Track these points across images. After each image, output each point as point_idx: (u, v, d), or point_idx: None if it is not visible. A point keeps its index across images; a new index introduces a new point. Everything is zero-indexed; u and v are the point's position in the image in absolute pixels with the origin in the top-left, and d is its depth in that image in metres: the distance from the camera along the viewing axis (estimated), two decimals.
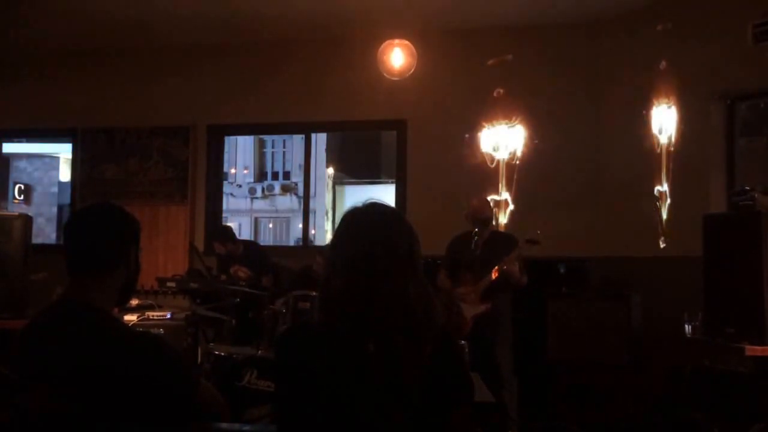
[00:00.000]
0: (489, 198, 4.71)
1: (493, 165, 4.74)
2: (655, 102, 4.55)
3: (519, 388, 4.87)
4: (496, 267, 4.61)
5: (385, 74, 5.27)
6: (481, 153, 4.69)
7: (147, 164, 6.74)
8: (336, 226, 1.74)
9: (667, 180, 4.50)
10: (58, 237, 13.90)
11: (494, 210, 4.75)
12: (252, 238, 22.18)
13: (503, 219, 4.74)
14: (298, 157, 22.44)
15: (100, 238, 1.80)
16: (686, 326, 4.16)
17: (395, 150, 6.65)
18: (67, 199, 9.98)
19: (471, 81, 6.17)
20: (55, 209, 16.57)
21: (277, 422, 1.70)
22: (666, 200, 4.47)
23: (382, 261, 1.61)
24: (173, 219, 6.63)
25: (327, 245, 6.02)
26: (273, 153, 24.86)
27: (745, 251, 3.82)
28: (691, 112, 4.96)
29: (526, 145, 4.68)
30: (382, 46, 5.23)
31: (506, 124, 4.71)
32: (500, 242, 4.84)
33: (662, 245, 4.54)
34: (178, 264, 6.42)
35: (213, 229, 6.57)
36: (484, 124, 4.81)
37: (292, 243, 21.12)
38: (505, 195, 4.70)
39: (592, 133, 5.98)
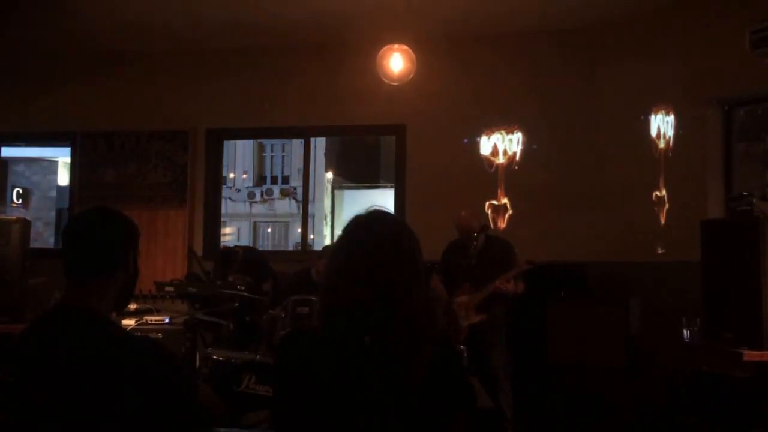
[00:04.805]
0: (488, 203, 4.72)
1: (492, 170, 4.74)
2: (654, 107, 4.56)
3: (517, 392, 4.88)
4: (495, 285, 4.70)
5: (384, 79, 5.27)
6: (480, 158, 4.69)
7: (146, 168, 6.74)
8: (339, 232, 1.76)
9: (666, 185, 4.49)
10: (56, 241, 13.87)
11: (491, 216, 4.77)
12: (251, 243, 22.19)
13: (502, 224, 4.75)
14: (297, 162, 22.44)
15: (98, 243, 1.80)
16: (684, 331, 4.16)
17: (394, 155, 6.66)
18: (65, 204, 9.96)
19: (470, 86, 6.19)
20: (53, 213, 16.52)
21: (276, 426, 1.70)
22: (664, 205, 4.47)
23: (386, 267, 1.63)
24: (172, 223, 6.63)
25: (326, 248, 6.05)
26: (272, 157, 24.89)
27: (744, 256, 3.82)
28: (690, 117, 4.98)
29: (524, 151, 4.68)
30: (382, 51, 5.23)
31: (505, 129, 4.71)
32: (496, 251, 4.88)
33: (660, 251, 4.55)
34: (176, 268, 6.42)
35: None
36: (482, 129, 4.81)
37: (291, 247, 21.12)
38: (504, 200, 4.70)
39: (591, 138, 6.00)
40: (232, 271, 5.69)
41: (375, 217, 1.74)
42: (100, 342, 1.69)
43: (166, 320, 5.33)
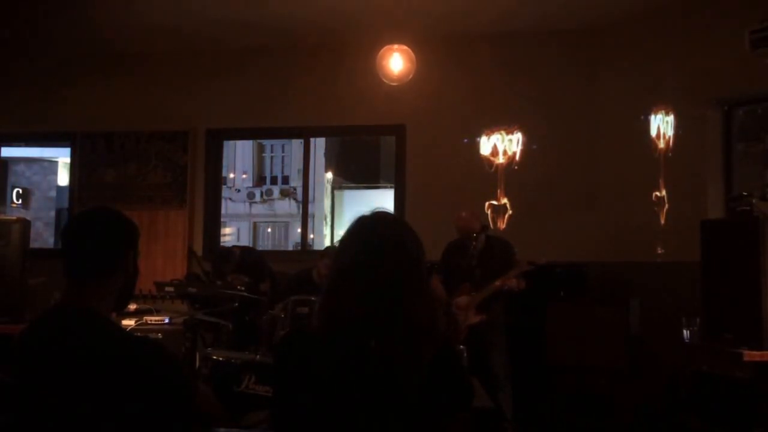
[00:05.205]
0: (488, 203, 4.74)
1: (492, 170, 4.75)
2: (654, 107, 4.57)
3: (517, 392, 4.88)
4: (496, 284, 4.69)
5: (384, 79, 5.27)
6: (480, 158, 4.71)
7: (146, 169, 6.74)
8: (340, 232, 1.76)
9: (666, 185, 4.50)
10: (56, 241, 13.88)
11: (491, 216, 4.78)
12: (251, 243, 22.19)
13: (502, 224, 4.76)
14: (297, 162, 22.45)
15: (98, 243, 1.80)
16: (684, 331, 4.16)
17: (394, 155, 6.66)
18: (65, 204, 9.96)
19: (470, 86, 6.19)
20: (53, 213, 16.55)
21: (275, 427, 1.70)
22: (664, 206, 4.48)
23: (390, 269, 1.64)
24: (172, 223, 6.63)
25: (329, 248, 6.04)
26: (272, 157, 24.88)
27: (743, 257, 3.83)
28: (689, 117, 4.98)
29: (524, 151, 4.70)
30: (381, 52, 5.23)
31: (505, 129, 4.72)
32: (497, 252, 4.89)
33: (660, 251, 4.56)
34: (176, 268, 6.42)
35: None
36: (482, 129, 4.82)
37: (291, 247, 21.12)
38: (504, 200, 4.72)
39: (591, 138, 6.00)
40: (228, 271, 5.69)
41: (379, 218, 1.75)
42: (100, 342, 1.69)
43: (166, 320, 5.33)
